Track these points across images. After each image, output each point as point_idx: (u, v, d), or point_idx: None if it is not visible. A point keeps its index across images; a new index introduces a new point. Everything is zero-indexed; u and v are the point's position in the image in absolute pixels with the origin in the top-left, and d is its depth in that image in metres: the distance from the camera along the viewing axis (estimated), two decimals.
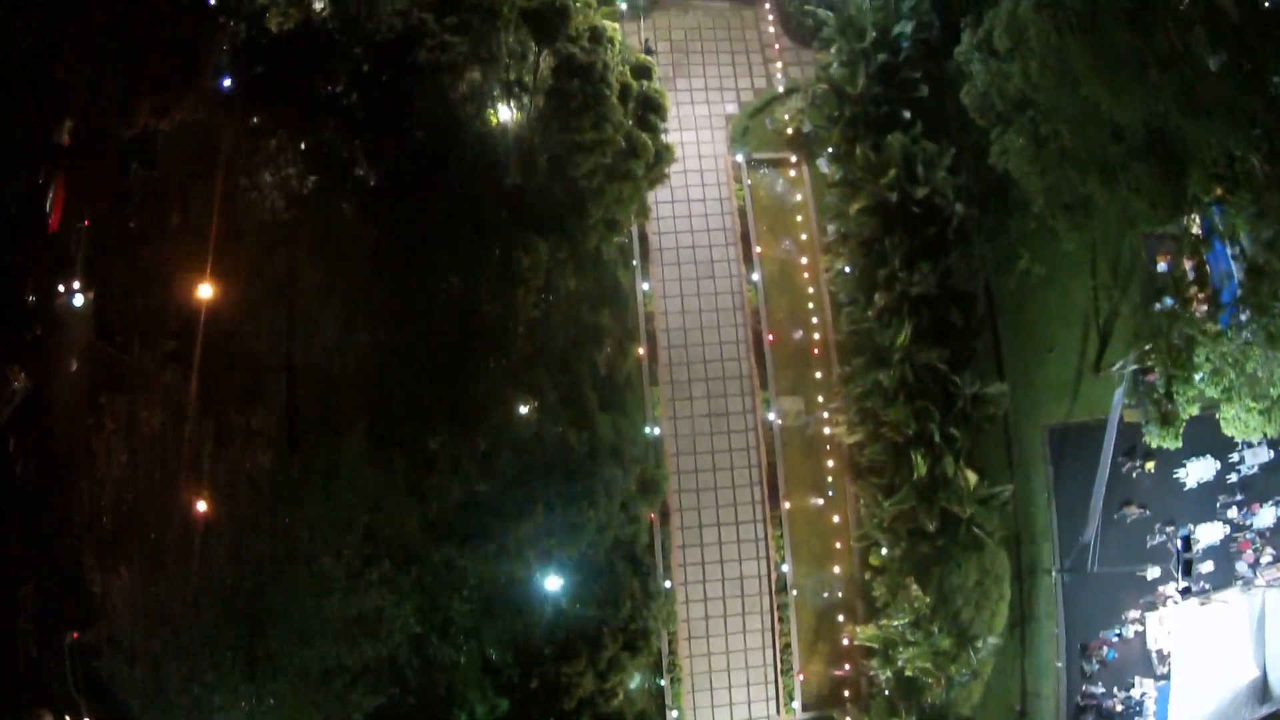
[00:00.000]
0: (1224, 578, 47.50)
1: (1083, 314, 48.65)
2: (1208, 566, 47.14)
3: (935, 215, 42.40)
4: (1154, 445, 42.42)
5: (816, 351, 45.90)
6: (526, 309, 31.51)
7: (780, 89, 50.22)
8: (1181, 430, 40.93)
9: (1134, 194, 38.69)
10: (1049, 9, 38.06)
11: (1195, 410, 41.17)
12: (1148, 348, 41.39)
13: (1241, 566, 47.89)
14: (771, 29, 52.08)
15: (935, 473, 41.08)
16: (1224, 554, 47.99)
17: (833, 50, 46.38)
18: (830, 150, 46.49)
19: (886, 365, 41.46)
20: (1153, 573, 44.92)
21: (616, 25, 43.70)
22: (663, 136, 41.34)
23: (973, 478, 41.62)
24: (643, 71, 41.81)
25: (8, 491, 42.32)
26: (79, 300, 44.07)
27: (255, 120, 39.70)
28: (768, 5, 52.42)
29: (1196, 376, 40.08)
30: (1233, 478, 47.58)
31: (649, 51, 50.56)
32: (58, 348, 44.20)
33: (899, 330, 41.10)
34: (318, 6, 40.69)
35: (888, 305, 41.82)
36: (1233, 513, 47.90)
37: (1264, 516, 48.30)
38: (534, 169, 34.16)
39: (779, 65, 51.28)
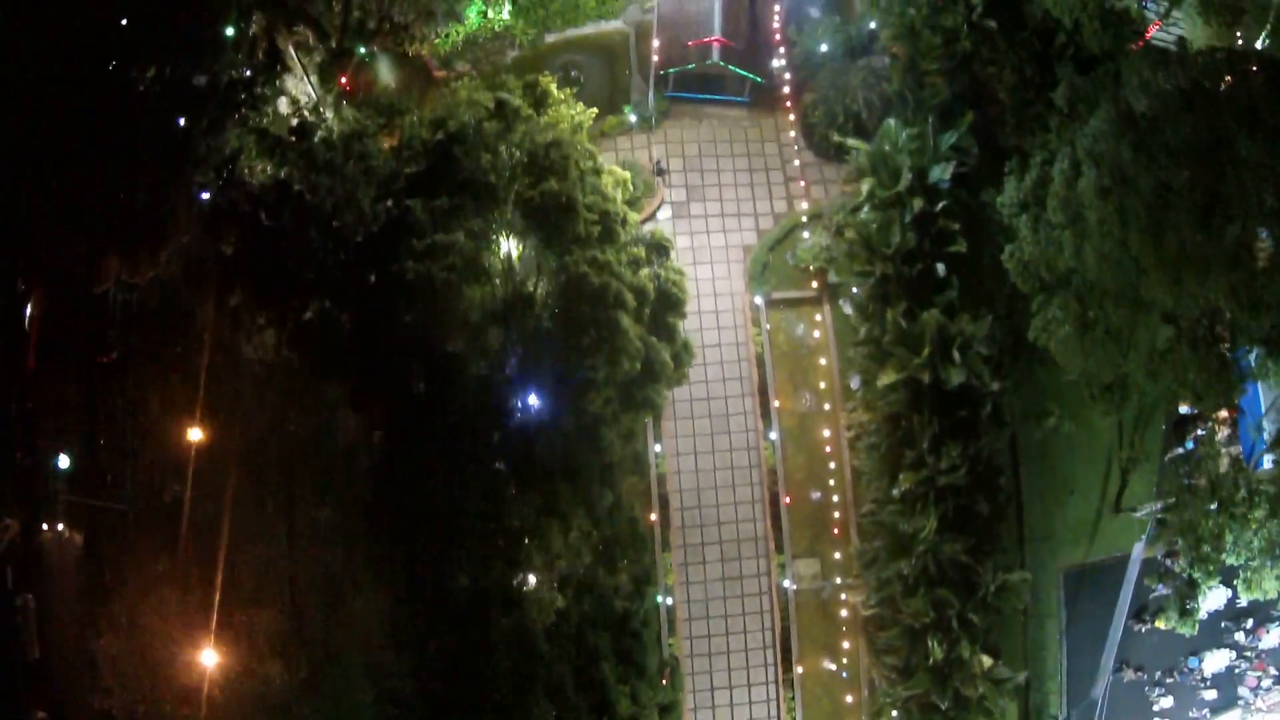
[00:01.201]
0: (1226, 701, 47.59)
1: (1106, 449, 47.21)
2: (1211, 694, 47.11)
3: (968, 397, 39.84)
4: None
5: (837, 515, 43.89)
6: (545, 613, 29.16)
7: (803, 212, 46.65)
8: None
9: (1181, 385, 37.19)
10: (1114, 195, 35.19)
11: (1215, 584, 41.22)
12: (1177, 541, 40.77)
13: (1243, 690, 47.85)
14: (794, 143, 48.09)
15: (951, 657, 39.94)
16: (1229, 680, 47.94)
17: (863, 188, 42.83)
18: (855, 295, 43.48)
19: (908, 554, 39.62)
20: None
21: (627, 176, 40.14)
22: (682, 332, 38.02)
23: (987, 661, 40.58)
24: (659, 249, 38.22)
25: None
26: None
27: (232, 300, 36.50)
28: (790, 115, 48.28)
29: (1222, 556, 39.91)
30: (1242, 602, 46.93)
31: (660, 172, 46.69)
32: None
33: (924, 522, 39.07)
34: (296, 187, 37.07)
35: (912, 490, 39.66)
36: (1239, 637, 47.78)
37: (1271, 638, 48.10)
38: (542, 415, 31.22)
39: (801, 182, 47.54)
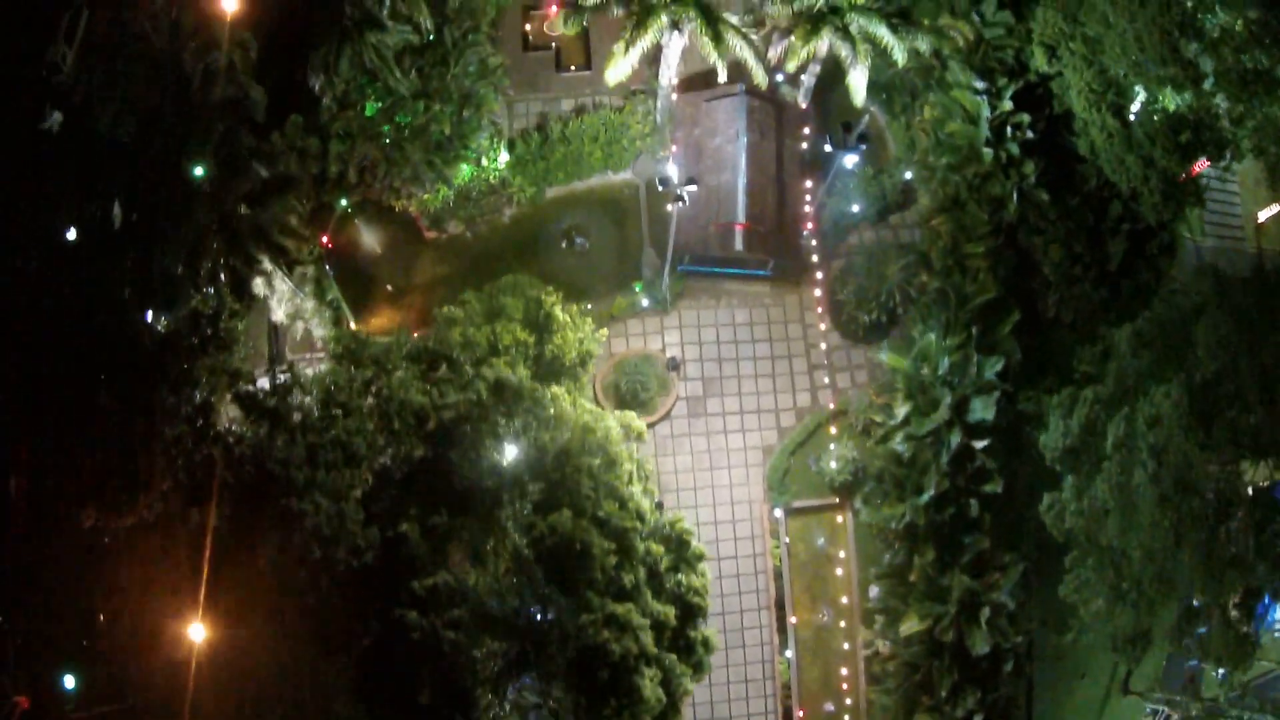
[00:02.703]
0: None
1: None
2: None
3: (991, 653, 38.24)
4: None
5: None
6: None
7: (828, 408, 43.33)
8: None
9: (1204, 652, 37.02)
10: (1174, 504, 32.95)
11: None
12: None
13: None
14: (820, 321, 44.13)
15: None
16: None
17: (897, 410, 39.63)
18: (877, 507, 41.05)
19: None
20: None
21: (650, 467, 37.31)
22: (702, 630, 35.58)
23: None
24: (679, 542, 35.29)
25: None
26: None
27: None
28: (816, 289, 44.06)
29: None
30: None
31: (674, 367, 42.96)
32: None
33: None
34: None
35: None
36: None
37: None
38: None
39: (825, 366, 43.96)
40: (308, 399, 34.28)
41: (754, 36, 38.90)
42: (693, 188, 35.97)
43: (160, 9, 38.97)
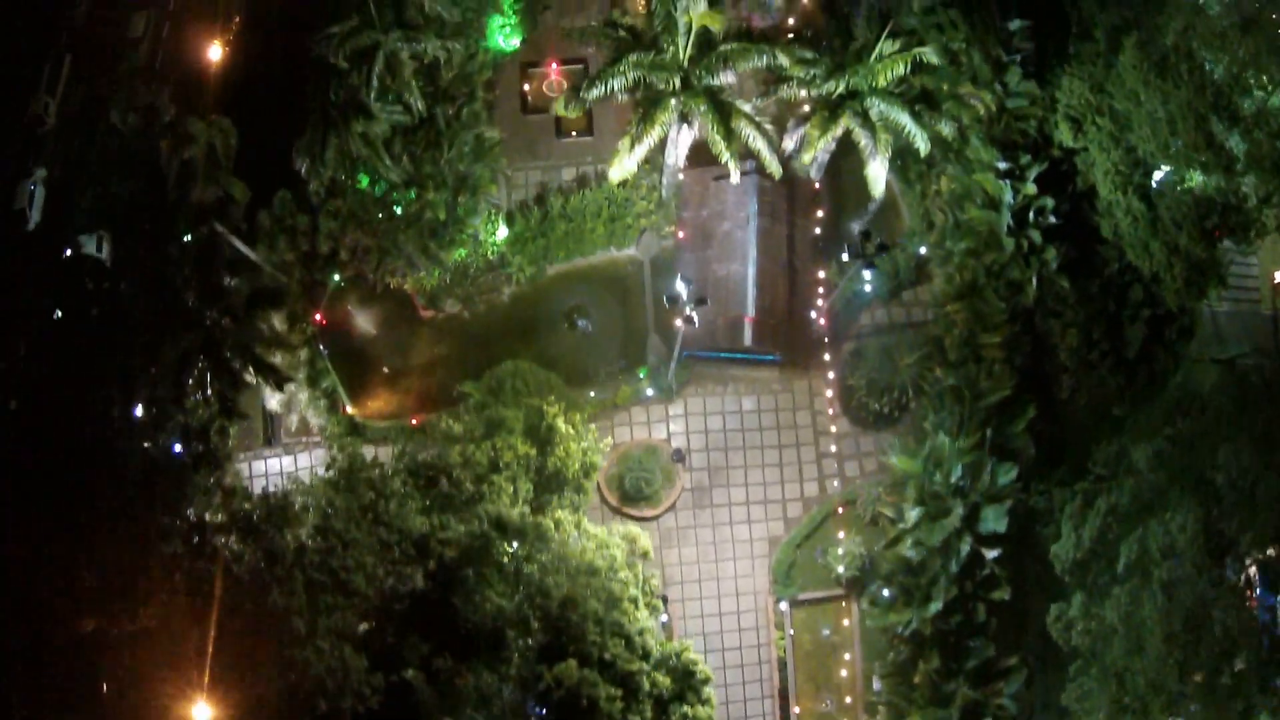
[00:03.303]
0: None
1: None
2: None
3: None
4: None
5: None
6: None
7: (835, 497, 42.39)
8: None
9: None
10: (1181, 640, 32.55)
11: None
12: None
13: None
14: (830, 409, 42.90)
15: None
16: None
17: (908, 513, 38.73)
18: (885, 598, 40.51)
19: None
20: None
21: (654, 581, 36.38)
22: None
23: None
24: (685, 672, 34.53)
25: None
26: None
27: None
28: (828, 374, 42.72)
29: None
30: None
31: (679, 459, 41.85)
32: None
33: None
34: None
35: None
36: None
37: None
38: None
39: (834, 454, 42.88)
40: (303, 531, 33.01)
41: (767, 125, 36.80)
42: (704, 306, 34.42)
43: (130, 95, 36.74)
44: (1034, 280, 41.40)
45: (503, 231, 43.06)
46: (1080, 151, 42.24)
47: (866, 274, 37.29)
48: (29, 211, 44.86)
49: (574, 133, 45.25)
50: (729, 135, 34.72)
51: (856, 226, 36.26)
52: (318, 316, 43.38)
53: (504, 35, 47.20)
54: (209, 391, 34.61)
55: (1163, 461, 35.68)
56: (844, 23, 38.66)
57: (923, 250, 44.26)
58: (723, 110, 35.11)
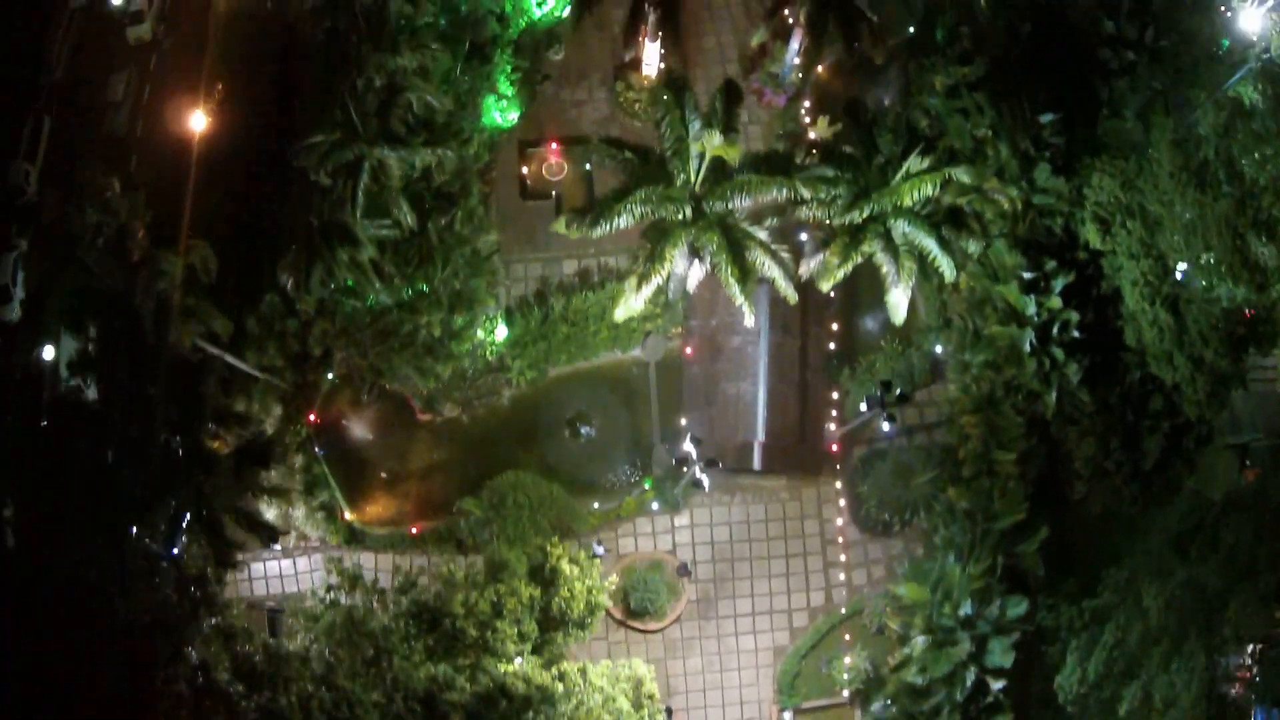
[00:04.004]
0: None
1: None
2: None
3: None
4: None
5: None
6: None
7: (842, 607, 41.63)
8: None
9: None
10: None
11: None
12: None
13: None
14: (839, 517, 41.79)
15: None
16: None
17: (914, 640, 38.04)
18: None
19: None
20: None
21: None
22: None
23: None
24: None
25: None
26: None
27: None
28: (837, 482, 41.50)
29: None
30: None
31: (685, 572, 40.93)
32: None
33: None
34: None
35: None
36: None
37: None
38: None
39: (842, 560, 41.96)
40: (309, 685, 32.28)
41: (784, 254, 34.85)
42: (715, 468, 33.15)
43: (99, 228, 34.59)
44: (1054, 395, 40.00)
45: (502, 332, 41.37)
46: (1107, 254, 40.46)
47: (886, 425, 35.82)
48: (12, 289, 43.24)
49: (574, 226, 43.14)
50: (744, 277, 32.71)
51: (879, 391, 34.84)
52: (312, 417, 42.16)
53: (501, 111, 44.80)
54: (202, 544, 33.52)
55: (1171, 605, 34.98)
56: (867, 132, 36.28)
57: (938, 349, 42.74)
58: (736, 243, 33.08)
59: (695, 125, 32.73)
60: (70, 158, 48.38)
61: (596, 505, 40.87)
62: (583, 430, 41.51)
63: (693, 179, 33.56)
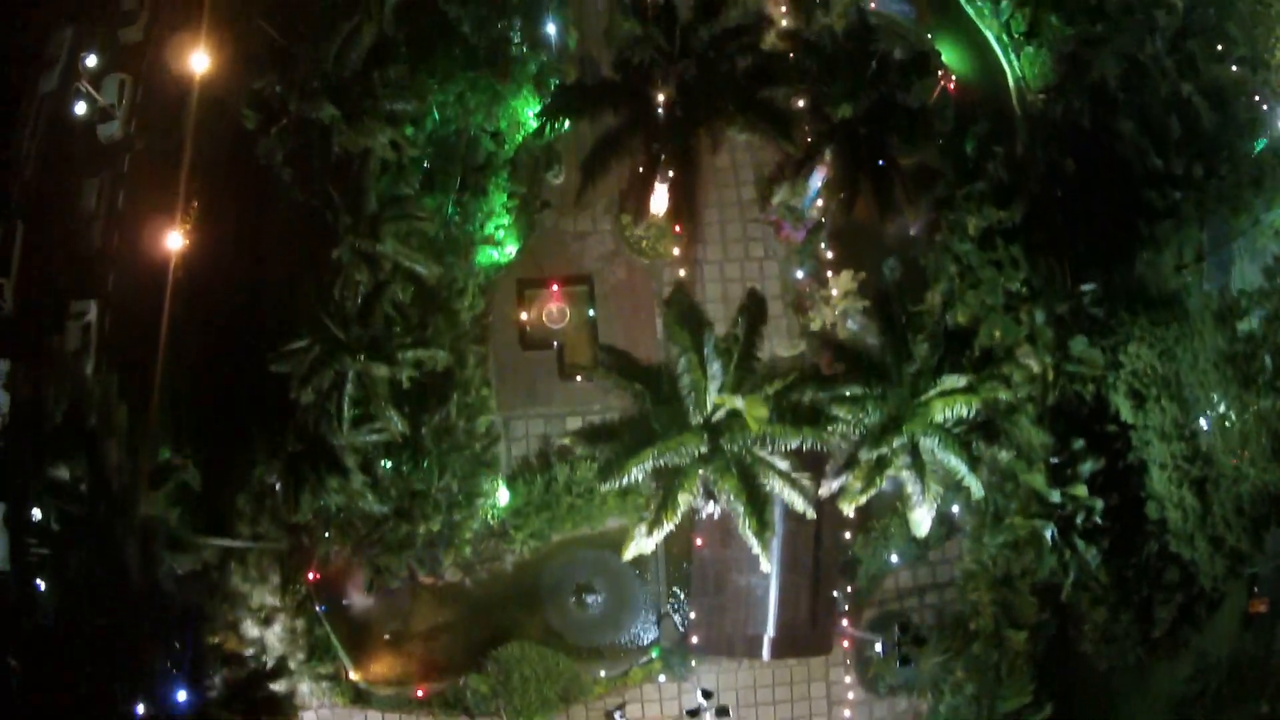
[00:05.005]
0: None
1: None
2: None
3: None
4: None
5: None
6: None
7: None
8: None
9: None
10: None
11: None
12: None
13: None
14: (846, 676, 41.21)
15: None
16: None
17: None
18: None
19: None
20: None
21: None
22: None
23: None
24: None
25: None
26: None
27: None
28: (846, 643, 40.71)
29: None
30: None
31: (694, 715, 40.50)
32: None
33: None
34: None
35: None
36: None
37: None
38: None
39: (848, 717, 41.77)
40: None
41: (805, 480, 32.88)
42: (726, 717, 32.30)
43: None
44: (1071, 579, 38.69)
45: (504, 496, 39.84)
46: (1138, 428, 38.37)
47: (900, 670, 34.83)
48: None
49: (579, 378, 40.91)
50: (762, 529, 30.83)
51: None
52: (311, 575, 41.31)
53: (497, 244, 41.86)
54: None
55: None
56: (900, 337, 33.45)
57: (955, 508, 41.23)
58: (755, 489, 31.01)
59: (714, 366, 30.29)
60: (46, 274, 46.45)
61: (603, 673, 40.45)
62: (588, 599, 40.63)
63: (709, 417, 31.23)
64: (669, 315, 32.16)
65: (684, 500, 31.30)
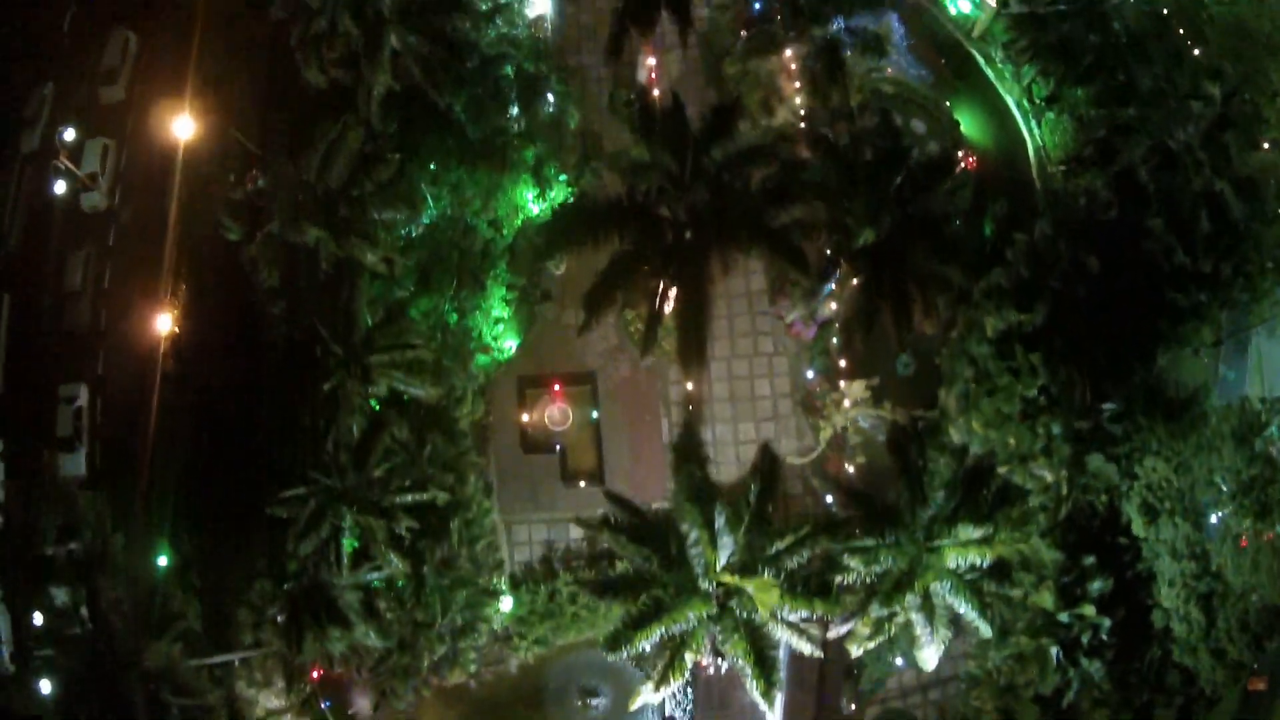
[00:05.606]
0: None
1: None
2: None
3: None
4: None
5: None
6: None
7: None
8: None
9: None
10: None
11: None
12: None
13: None
14: None
15: None
16: None
17: None
18: None
19: None
20: None
21: None
22: None
23: None
24: None
25: None
26: None
27: None
28: None
29: None
30: None
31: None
32: None
33: None
34: None
35: None
36: None
37: None
38: None
39: None
40: None
41: (814, 630, 32.30)
42: None
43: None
44: (1074, 691, 38.47)
45: (507, 603, 39.48)
46: (1148, 541, 37.72)
47: None
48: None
49: (582, 483, 40.11)
50: (769, 689, 30.26)
51: None
52: (315, 673, 41.17)
53: (496, 341, 40.54)
54: None
55: None
56: (917, 479, 32.50)
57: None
58: (763, 651, 30.30)
59: (725, 539, 29.44)
60: (34, 352, 45.15)
61: None
62: (592, 701, 40.61)
63: (717, 585, 30.49)
64: (676, 487, 31.24)
65: (690, 659, 30.82)
